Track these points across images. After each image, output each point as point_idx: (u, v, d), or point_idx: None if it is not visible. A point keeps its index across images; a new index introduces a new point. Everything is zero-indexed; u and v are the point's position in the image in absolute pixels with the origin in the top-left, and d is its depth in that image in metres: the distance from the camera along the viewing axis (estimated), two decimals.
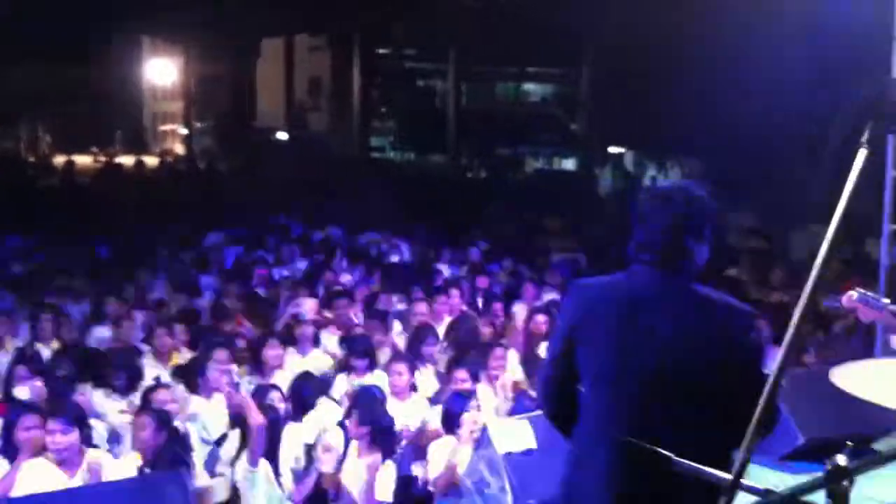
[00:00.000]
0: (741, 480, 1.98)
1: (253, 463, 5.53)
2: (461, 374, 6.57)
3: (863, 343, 7.26)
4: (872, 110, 1.95)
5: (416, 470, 6.09)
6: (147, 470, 5.13)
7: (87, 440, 5.35)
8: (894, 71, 6.14)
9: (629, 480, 2.97)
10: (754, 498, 2.14)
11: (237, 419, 5.85)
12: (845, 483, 1.90)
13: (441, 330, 8.24)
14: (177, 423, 5.75)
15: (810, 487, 1.93)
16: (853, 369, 2.22)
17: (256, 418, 5.58)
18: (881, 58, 6.49)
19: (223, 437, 6.01)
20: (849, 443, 1.95)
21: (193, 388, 6.58)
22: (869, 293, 4.18)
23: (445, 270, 11.72)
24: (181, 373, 6.84)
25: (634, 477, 2.95)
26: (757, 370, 2.99)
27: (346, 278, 11.10)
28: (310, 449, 6.07)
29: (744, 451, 1.96)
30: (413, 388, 6.92)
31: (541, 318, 8.16)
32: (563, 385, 3.20)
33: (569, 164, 29.53)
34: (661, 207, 3.08)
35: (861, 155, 1.96)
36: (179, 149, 46.35)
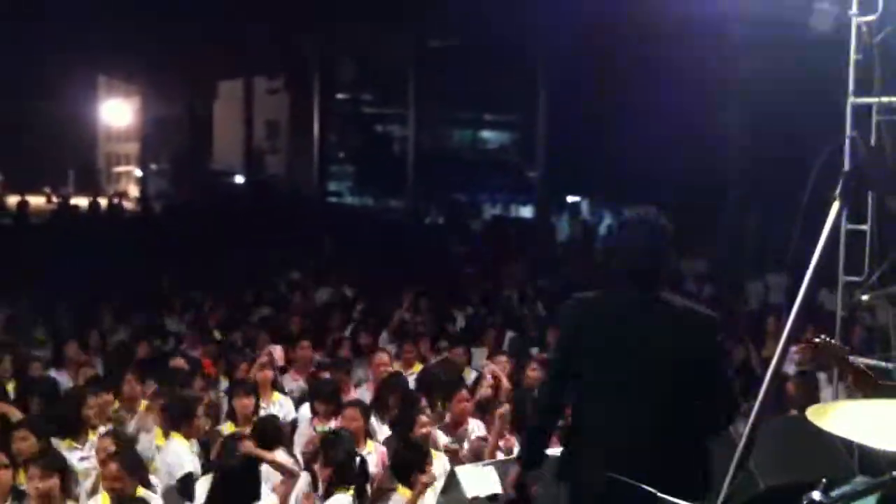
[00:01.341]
0: None
1: None
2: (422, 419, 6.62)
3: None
4: (851, 173, 2.09)
5: None
6: None
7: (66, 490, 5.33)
8: (848, 128, 6.38)
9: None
10: None
11: (214, 463, 5.88)
12: None
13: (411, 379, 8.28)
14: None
15: None
16: (830, 409, 2.34)
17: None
18: (835, 111, 6.74)
19: (187, 477, 6.04)
20: (823, 479, 2.05)
21: (177, 427, 6.55)
22: (830, 340, 4.34)
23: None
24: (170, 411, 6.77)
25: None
26: (718, 363, 3.65)
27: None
28: None
29: (727, 485, 2.07)
30: (369, 434, 6.93)
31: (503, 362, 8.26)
32: (562, 394, 3.85)
33: (526, 211, 29.81)
34: (635, 236, 3.79)
35: (834, 207, 2.09)
36: (134, 190, 46.00)
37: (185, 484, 6.05)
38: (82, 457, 6.43)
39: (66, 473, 5.36)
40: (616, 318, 3.70)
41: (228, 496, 5.50)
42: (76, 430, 6.57)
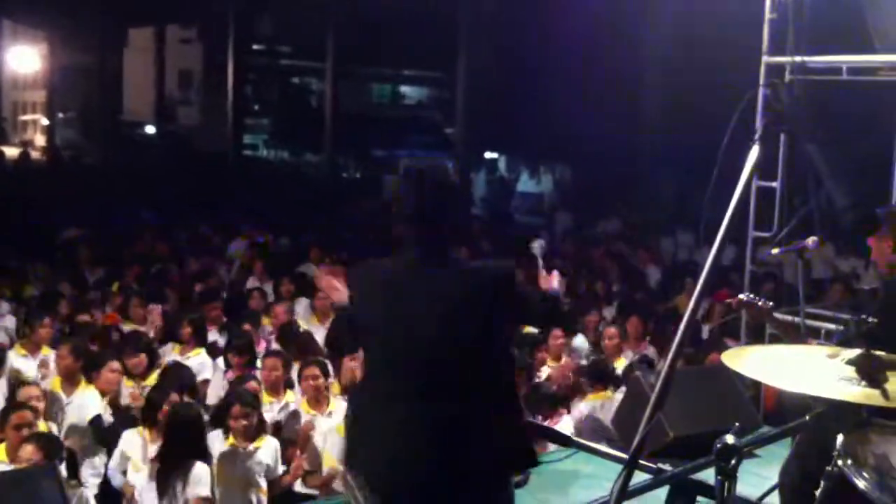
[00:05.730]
0: (637, 459, 2.08)
1: None
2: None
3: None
4: (774, 117, 2.08)
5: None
6: None
7: None
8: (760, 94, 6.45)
9: (417, 443, 3.07)
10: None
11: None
12: (734, 461, 2.03)
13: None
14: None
15: (701, 465, 2.06)
16: (744, 354, 2.36)
17: None
18: (747, 72, 6.82)
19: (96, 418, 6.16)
20: (736, 424, 2.07)
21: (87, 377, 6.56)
22: (753, 296, 4.44)
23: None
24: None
25: (422, 440, 3.07)
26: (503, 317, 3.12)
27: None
28: None
29: (642, 430, 2.07)
30: (289, 385, 6.89)
31: None
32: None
33: None
34: (414, 188, 3.20)
35: (753, 151, 2.08)
36: (41, 140, 44.56)
37: (96, 425, 6.14)
38: None
39: None
40: (386, 285, 3.24)
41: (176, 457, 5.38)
42: None
